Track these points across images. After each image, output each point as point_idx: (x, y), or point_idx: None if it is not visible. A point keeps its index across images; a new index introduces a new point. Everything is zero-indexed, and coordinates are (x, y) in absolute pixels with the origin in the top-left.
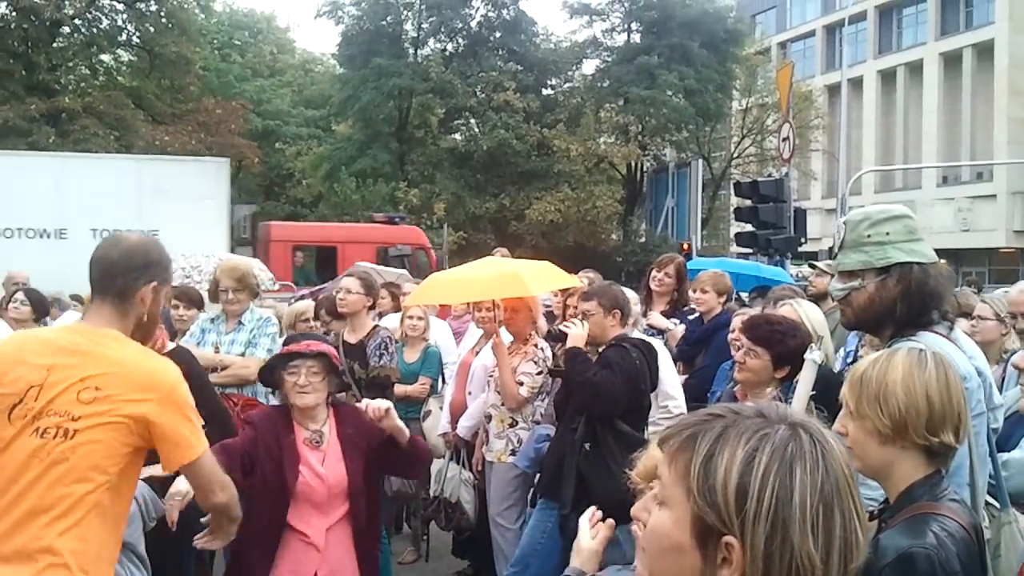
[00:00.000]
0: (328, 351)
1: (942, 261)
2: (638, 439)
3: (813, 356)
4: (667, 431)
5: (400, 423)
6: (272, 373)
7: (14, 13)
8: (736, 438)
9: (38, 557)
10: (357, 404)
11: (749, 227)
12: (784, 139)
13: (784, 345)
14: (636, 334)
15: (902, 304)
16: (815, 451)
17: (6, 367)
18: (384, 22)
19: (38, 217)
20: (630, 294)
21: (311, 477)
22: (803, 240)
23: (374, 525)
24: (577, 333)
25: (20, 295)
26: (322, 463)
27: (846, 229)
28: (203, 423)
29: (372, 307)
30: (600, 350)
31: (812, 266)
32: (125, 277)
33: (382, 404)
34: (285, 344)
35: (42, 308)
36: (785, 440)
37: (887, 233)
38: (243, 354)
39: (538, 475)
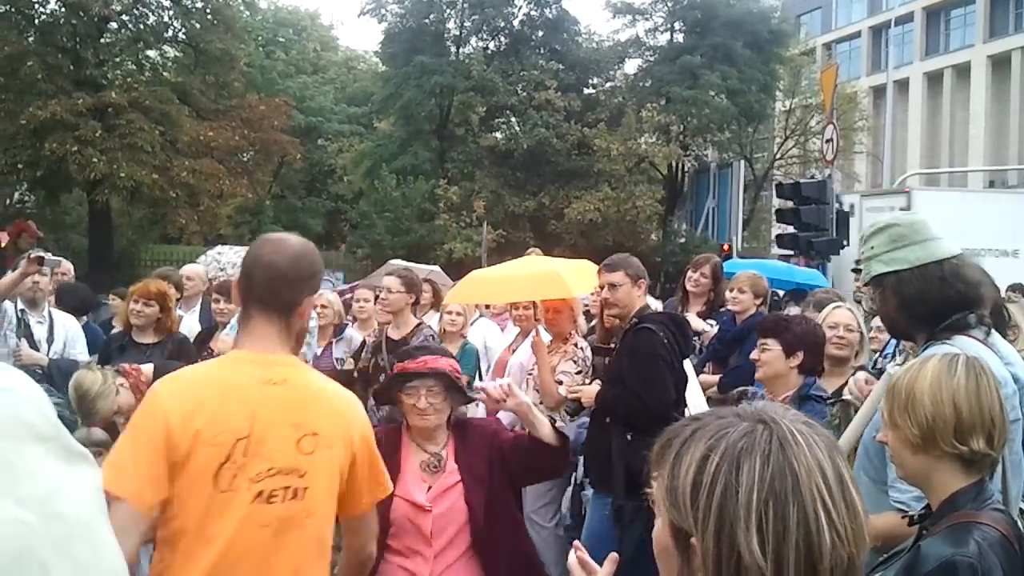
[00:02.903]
0: (448, 368)
1: (956, 255)
2: (676, 420)
3: (890, 369)
4: (658, 439)
5: (529, 404)
6: (388, 391)
7: (63, 9)
8: (699, 439)
9: None
10: (479, 391)
11: (791, 229)
12: (828, 140)
13: (790, 331)
14: None
15: (905, 312)
16: (769, 446)
17: (199, 419)
18: (427, 20)
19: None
20: (653, 302)
21: (414, 510)
22: (845, 243)
23: (514, 552)
24: (589, 392)
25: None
26: (435, 491)
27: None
28: None
29: (416, 303)
30: (625, 330)
31: (856, 270)
32: (295, 288)
33: (503, 382)
34: (400, 358)
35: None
36: (740, 437)
37: (872, 247)
38: None
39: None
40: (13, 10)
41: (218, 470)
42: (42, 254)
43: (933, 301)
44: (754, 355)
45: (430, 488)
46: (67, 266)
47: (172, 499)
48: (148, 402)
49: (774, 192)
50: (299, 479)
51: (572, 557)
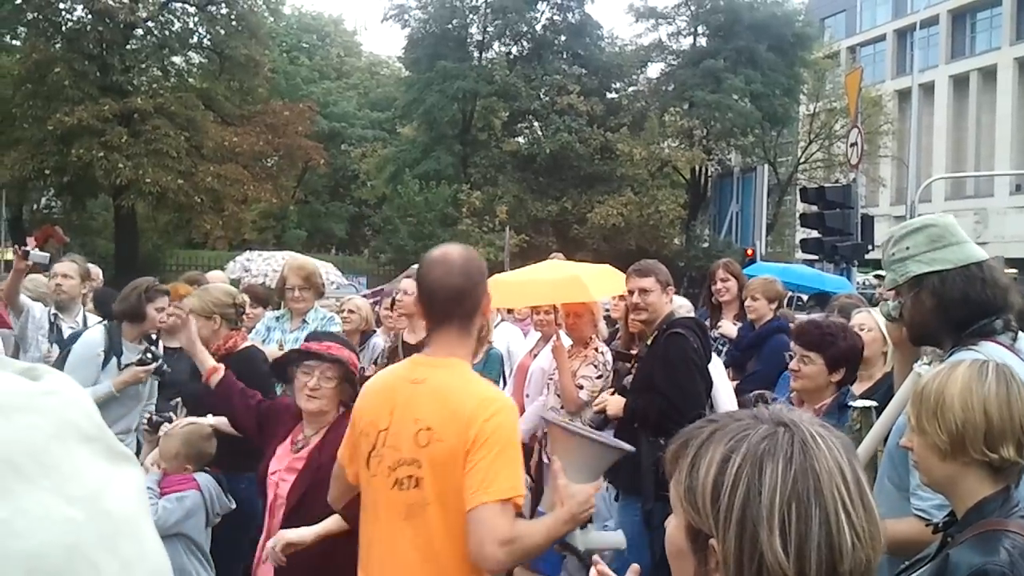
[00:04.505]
0: (347, 358)
1: (991, 258)
2: None
3: (920, 368)
4: (673, 439)
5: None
6: (285, 368)
7: (90, 16)
8: (718, 441)
9: None
10: None
11: (815, 233)
12: (852, 144)
13: (836, 347)
14: None
15: (941, 315)
16: (791, 449)
17: (362, 411)
18: (449, 25)
19: None
20: (681, 300)
21: (262, 478)
22: (870, 248)
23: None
24: (615, 403)
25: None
26: (282, 470)
27: (883, 249)
28: None
29: None
30: (654, 335)
31: (880, 276)
32: (472, 297)
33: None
34: (306, 340)
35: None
36: (761, 439)
37: (907, 248)
38: None
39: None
40: (41, 17)
41: (368, 456)
42: (27, 248)
43: (973, 303)
44: (793, 365)
45: (276, 470)
46: (96, 271)
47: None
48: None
49: (798, 196)
50: (417, 469)
51: (593, 573)
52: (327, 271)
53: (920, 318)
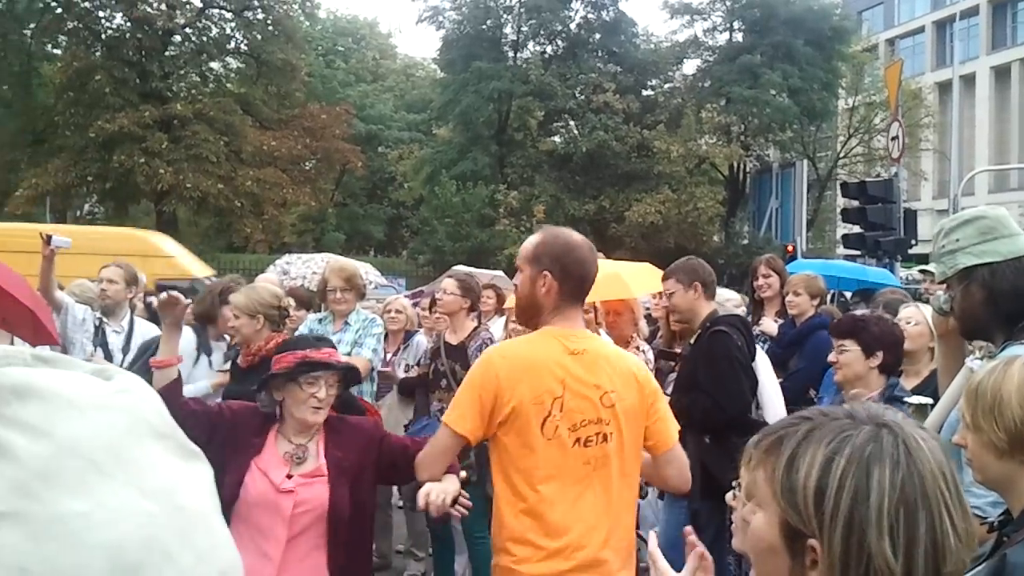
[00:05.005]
0: (345, 365)
1: None
2: (753, 421)
3: (972, 364)
4: (761, 434)
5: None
6: (282, 378)
7: (129, 24)
8: (819, 440)
9: (631, 552)
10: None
11: (857, 229)
12: (893, 138)
13: (868, 331)
14: None
15: (991, 308)
16: (897, 452)
17: (521, 385)
18: (484, 26)
19: None
20: (730, 293)
21: (275, 491)
22: (913, 242)
23: (359, 551)
24: None
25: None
26: (298, 478)
27: (934, 241)
28: None
29: (472, 309)
30: (697, 334)
31: (924, 271)
32: (593, 279)
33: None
34: (291, 346)
35: None
36: (866, 441)
37: (957, 240)
38: (348, 354)
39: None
40: (81, 26)
41: (543, 423)
42: (50, 232)
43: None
44: (832, 357)
45: (291, 476)
46: (143, 276)
47: (508, 443)
48: (485, 365)
49: (839, 191)
50: (605, 427)
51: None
52: (366, 271)
53: (970, 311)
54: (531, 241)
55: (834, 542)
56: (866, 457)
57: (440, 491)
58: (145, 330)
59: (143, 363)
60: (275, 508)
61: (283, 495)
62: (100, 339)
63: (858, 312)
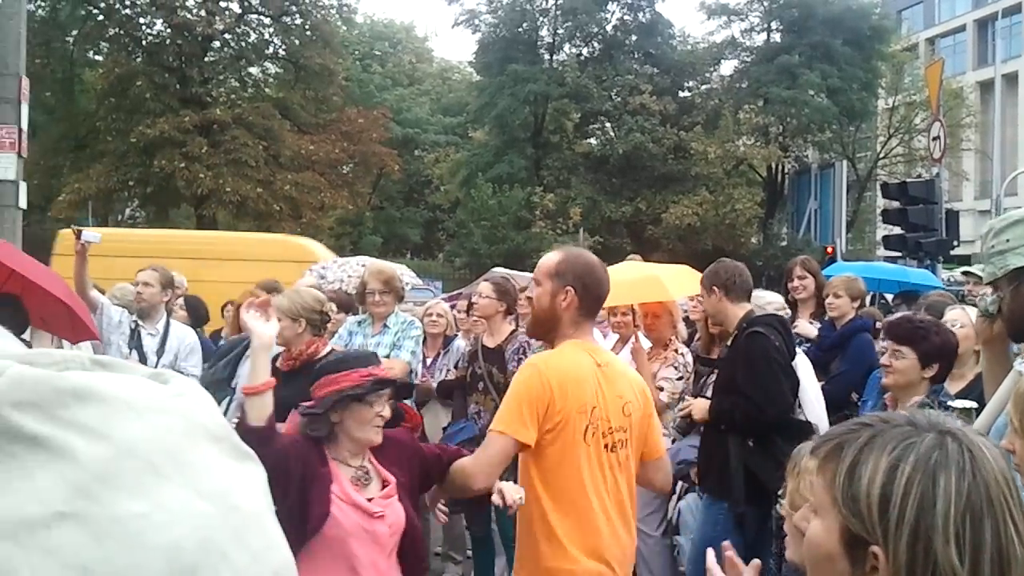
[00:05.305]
0: (406, 381)
1: None
2: (796, 423)
3: (1020, 367)
4: (819, 440)
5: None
6: (347, 399)
7: (169, 30)
8: (881, 447)
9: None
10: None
11: (897, 230)
12: (934, 138)
13: (929, 342)
14: None
15: None
16: (962, 459)
17: (572, 395)
18: (520, 29)
19: None
20: (773, 296)
21: (368, 517)
22: (955, 243)
23: (422, 560)
24: (700, 406)
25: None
26: (378, 500)
27: (982, 242)
28: None
29: (509, 312)
30: (733, 335)
31: (967, 273)
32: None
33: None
34: (347, 363)
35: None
36: (930, 448)
37: (1007, 240)
38: (387, 356)
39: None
40: (122, 32)
41: (585, 431)
42: (79, 228)
43: None
44: (885, 360)
45: (371, 499)
46: (180, 279)
47: (552, 451)
48: (533, 375)
49: (879, 192)
50: (624, 434)
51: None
52: (402, 272)
53: (1020, 312)
54: (551, 258)
55: (899, 550)
56: (932, 464)
57: (515, 488)
58: (181, 333)
59: (225, 369)
60: (373, 535)
61: (376, 520)
62: (135, 341)
63: (916, 316)
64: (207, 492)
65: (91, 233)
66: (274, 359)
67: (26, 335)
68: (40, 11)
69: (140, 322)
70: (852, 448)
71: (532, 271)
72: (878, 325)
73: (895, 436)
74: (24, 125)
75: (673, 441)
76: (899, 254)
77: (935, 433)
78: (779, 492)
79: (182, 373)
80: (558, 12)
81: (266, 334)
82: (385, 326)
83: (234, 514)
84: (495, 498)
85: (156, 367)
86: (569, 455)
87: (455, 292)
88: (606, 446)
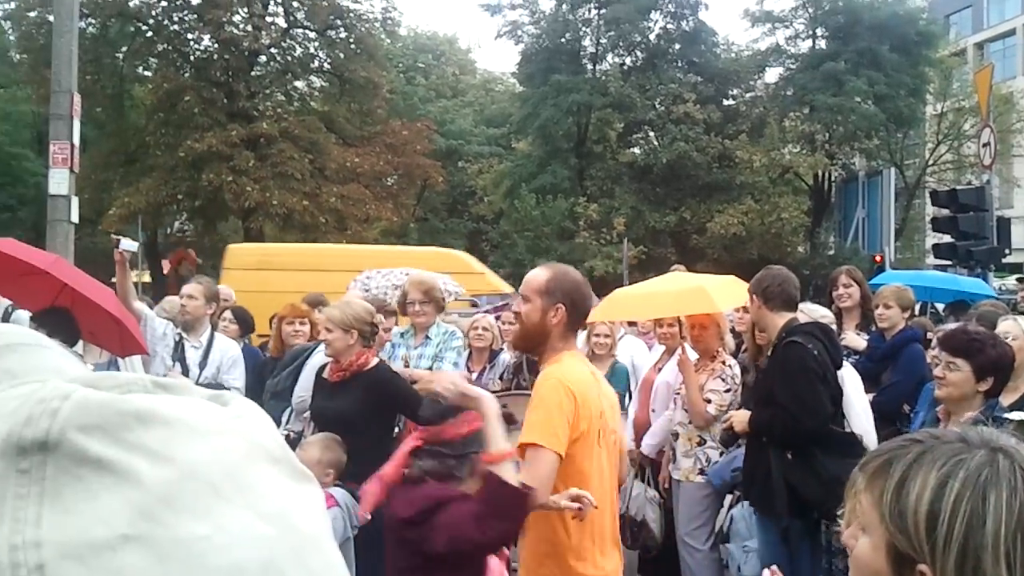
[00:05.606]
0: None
1: None
2: (839, 435)
3: None
4: (868, 456)
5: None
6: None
7: (216, 45)
8: (930, 464)
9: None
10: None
11: (947, 238)
12: (984, 144)
13: (984, 355)
14: None
15: None
16: (1014, 477)
17: (591, 404)
18: (563, 39)
19: None
20: (824, 311)
21: None
22: (1007, 251)
23: None
24: (741, 417)
25: (228, 313)
26: None
27: None
28: None
29: None
30: (773, 345)
31: (1021, 280)
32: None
33: (452, 378)
34: (458, 411)
35: (247, 326)
36: (981, 465)
37: None
38: (430, 368)
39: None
40: (170, 48)
41: (599, 435)
42: (119, 237)
43: None
44: (939, 371)
45: None
46: (226, 292)
47: (576, 457)
48: (562, 389)
49: (928, 200)
50: (615, 435)
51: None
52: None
53: None
54: (540, 276)
55: (947, 568)
56: (982, 481)
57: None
58: (224, 346)
59: (288, 379)
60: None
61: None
62: (179, 354)
63: (971, 328)
64: (267, 514)
65: (128, 242)
66: (320, 370)
67: (78, 348)
68: (91, 28)
69: (184, 334)
70: (901, 464)
71: None
72: (929, 335)
73: (945, 452)
74: (76, 141)
75: (721, 454)
76: (950, 262)
77: (987, 450)
78: (823, 505)
79: (224, 386)
80: (601, 22)
81: (494, 403)
82: (427, 337)
83: (294, 535)
84: (564, 503)
85: (199, 379)
86: (588, 459)
87: (501, 303)
88: (606, 446)
